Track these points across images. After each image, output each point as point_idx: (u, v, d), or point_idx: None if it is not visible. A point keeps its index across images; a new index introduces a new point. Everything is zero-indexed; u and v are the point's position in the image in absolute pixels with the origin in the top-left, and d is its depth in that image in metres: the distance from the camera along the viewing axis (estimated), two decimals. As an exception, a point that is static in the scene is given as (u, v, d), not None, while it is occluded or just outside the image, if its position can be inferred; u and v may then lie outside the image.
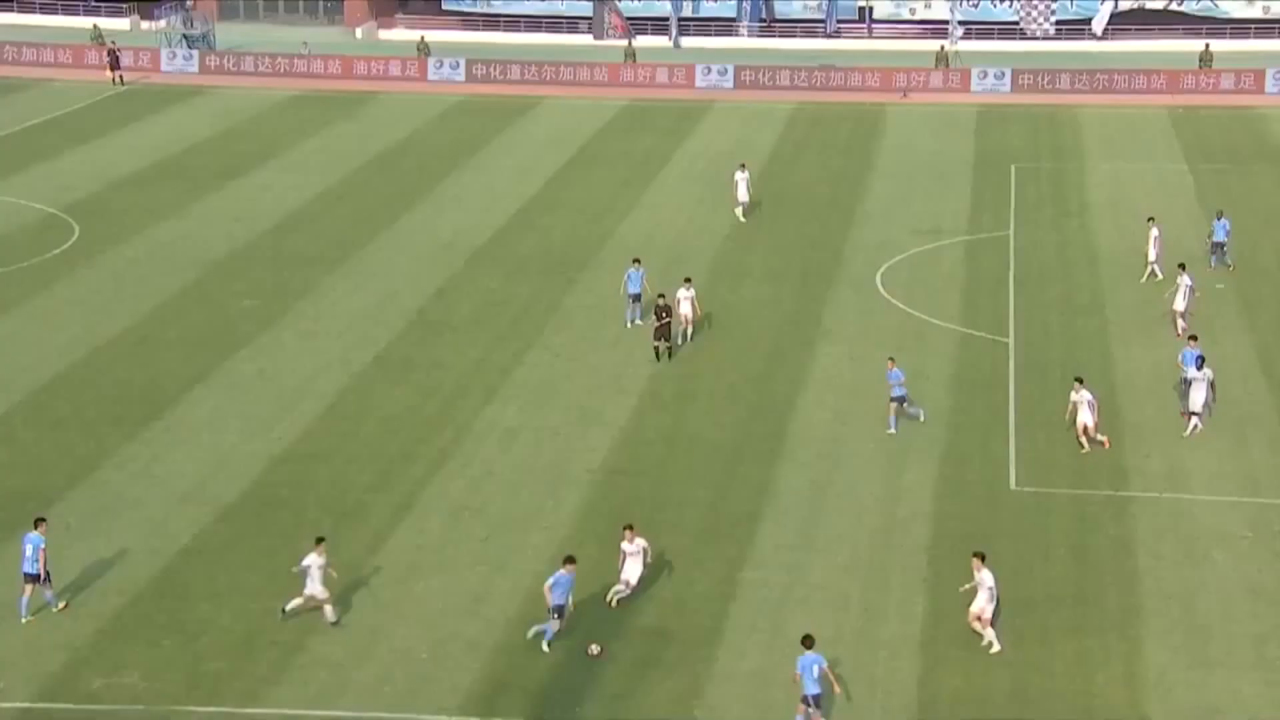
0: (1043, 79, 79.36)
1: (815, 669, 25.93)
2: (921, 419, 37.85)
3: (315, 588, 29.26)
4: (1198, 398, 37.25)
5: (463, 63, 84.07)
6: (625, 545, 29.88)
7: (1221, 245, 48.28)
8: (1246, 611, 29.41)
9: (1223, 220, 48.90)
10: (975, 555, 28.78)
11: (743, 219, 55.66)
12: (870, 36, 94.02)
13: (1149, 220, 49.57)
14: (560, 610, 28.55)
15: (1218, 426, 37.58)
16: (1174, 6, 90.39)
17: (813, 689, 25.91)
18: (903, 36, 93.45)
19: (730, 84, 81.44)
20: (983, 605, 28.28)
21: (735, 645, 28.77)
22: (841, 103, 77.46)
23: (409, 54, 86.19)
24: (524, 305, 47.51)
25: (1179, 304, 43.34)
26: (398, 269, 51.09)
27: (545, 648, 28.41)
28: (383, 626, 29.43)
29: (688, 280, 44.21)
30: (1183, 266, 44.75)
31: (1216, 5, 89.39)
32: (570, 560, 29.02)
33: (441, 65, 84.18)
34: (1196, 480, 34.96)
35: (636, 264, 45.87)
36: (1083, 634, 28.71)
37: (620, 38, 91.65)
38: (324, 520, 33.41)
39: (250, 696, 27.23)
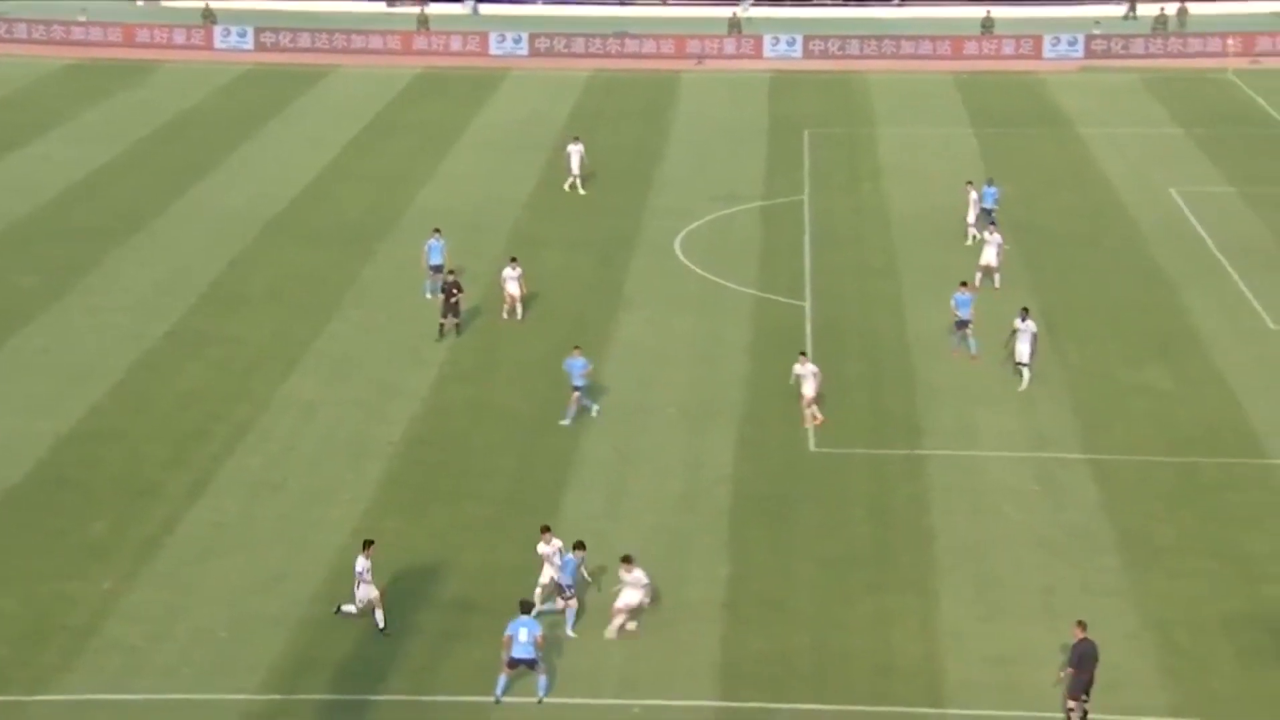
0: (833, 45, 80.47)
1: (525, 633, 26.00)
2: (594, 413, 36.58)
3: (368, 591, 27.97)
4: (1024, 349, 38.36)
5: (251, 31, 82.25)
6: (542, 547, 28.70)
7: (990, 212, 49.45)
8: (1035, 563, 30.31)
9: (992, 188, 50.06)
10: (623, 559, 28.30)
11: (581, 191, 55.33)
12: (664, 3, 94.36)
13: (967, 184, 50.61)
14: (572, 590, 28.09)
15: (1003, 384, 38.63)
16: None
17: (521, 653, 25.95)
18: (696, 3, 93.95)
19: (525, 52, 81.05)
20: (628, 601, 27.98)
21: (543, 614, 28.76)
22: (637, 70, 77.66)
23: (193, 21, 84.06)
24: (321, 277, 46.79)
25: (990, 259, 44.52)
26: (189, 241, 49.90)
27: (571, 633, 27.91)
28: (181, 606, 28.79)
29: (514, 259, 43.82)
30: (994, 224, 45.86)
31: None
32: (580, 545, 28.44)
33: (229, 33, 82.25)
34: (986, 437, 35.91)
35: (437, 234, 45.43)
36: (881, 591, 29.31)
37: (414, 4, 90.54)
38: (116, 499, 32.56)
39: (38, 684, 26.43)
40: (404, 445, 35.58)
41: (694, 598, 29.18)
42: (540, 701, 26.11)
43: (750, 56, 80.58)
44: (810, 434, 36.01)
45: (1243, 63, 75.83)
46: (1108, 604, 28.58)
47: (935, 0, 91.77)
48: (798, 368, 36.67)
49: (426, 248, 45.02)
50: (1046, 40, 79.53)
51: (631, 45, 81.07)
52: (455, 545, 31.01)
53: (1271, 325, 42.22)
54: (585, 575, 28.88)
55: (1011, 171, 56.64)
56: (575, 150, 56.01)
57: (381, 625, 27.97)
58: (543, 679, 26.28)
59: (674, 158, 60.59)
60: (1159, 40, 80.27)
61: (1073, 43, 79.28)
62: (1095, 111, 67.44)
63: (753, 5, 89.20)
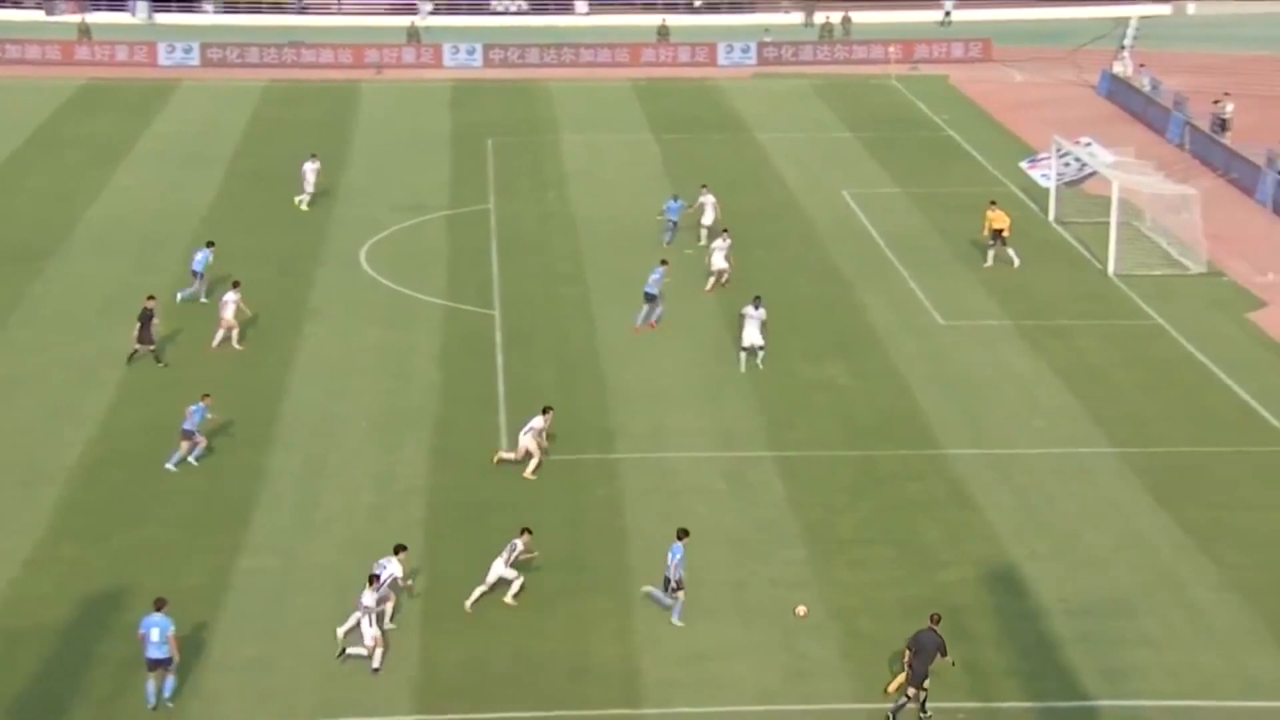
0: (513, 54, 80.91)
1: (157, 632, 25.60)
2: (170, 464, 34.48)
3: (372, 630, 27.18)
4: (751, 334, 39.75)
5: (-100, 40, 78.16)
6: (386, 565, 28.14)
7: (675, 224, 50.45)
8: (726, 560, 31.01)
9: (678, 201, 51.06)
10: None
11: (305, 208, 54.01)
12: (340, 12, 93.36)
13: (702, 187, 51.31)
14: (680, 584, 28.35)
15: (692, 386, 39.44)
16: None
17: (154, 652, 25.56)
18: (373, 12, 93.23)
19: (197, 62, 79.10)
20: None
21: (232, 635, 28.12)
22: (314, 80, 76.62)
23: None
24: (-15, 297, 44.77)
25: (717, 262, 45.93)
26: None
27: (678, 622, 28.25)
28: None
29: (236, 284, 42.54)
30: (726, 230, 47.31)
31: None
32: (684, 533, 28.81)
33: (-124, 42, 78.00)
34: (676, 438, 36.58)
35: (210, 246, 44.73)
36: (578, 595, 29.57)
37: (74, 13, 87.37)
38: None
39: None
40: (80, 469, 34.30)
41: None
42: (156, 708, 25.52)
43: (430, 66, 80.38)
44: (503, 442, 36.07)
45: (903, 69, 79.14)
46: (795, 596, 29.43)
47: (615, 9, 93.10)
48: None
49: (194, 257, 44.41)
50: (721, 48, 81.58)
51: (308, 55, 79.96)
52: (138, 570, 30.04)
53: (941, 321, 44.14)
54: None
55: (693, 176, 57.79)
56: (311, 168, 54.82)
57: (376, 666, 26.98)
58: (170, 680, 25.77)
59: (357, 168, 59.97)
60: (826, 47, 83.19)
61: (745, 50, 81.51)
62: (770, 116, 69.44)
63: (431, 14, 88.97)
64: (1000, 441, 36.29)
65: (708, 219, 50.22)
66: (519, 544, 29.21)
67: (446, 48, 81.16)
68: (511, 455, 34.62)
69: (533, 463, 34.26)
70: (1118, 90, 72.20)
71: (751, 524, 32.47)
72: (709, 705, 26.41)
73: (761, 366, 40.04)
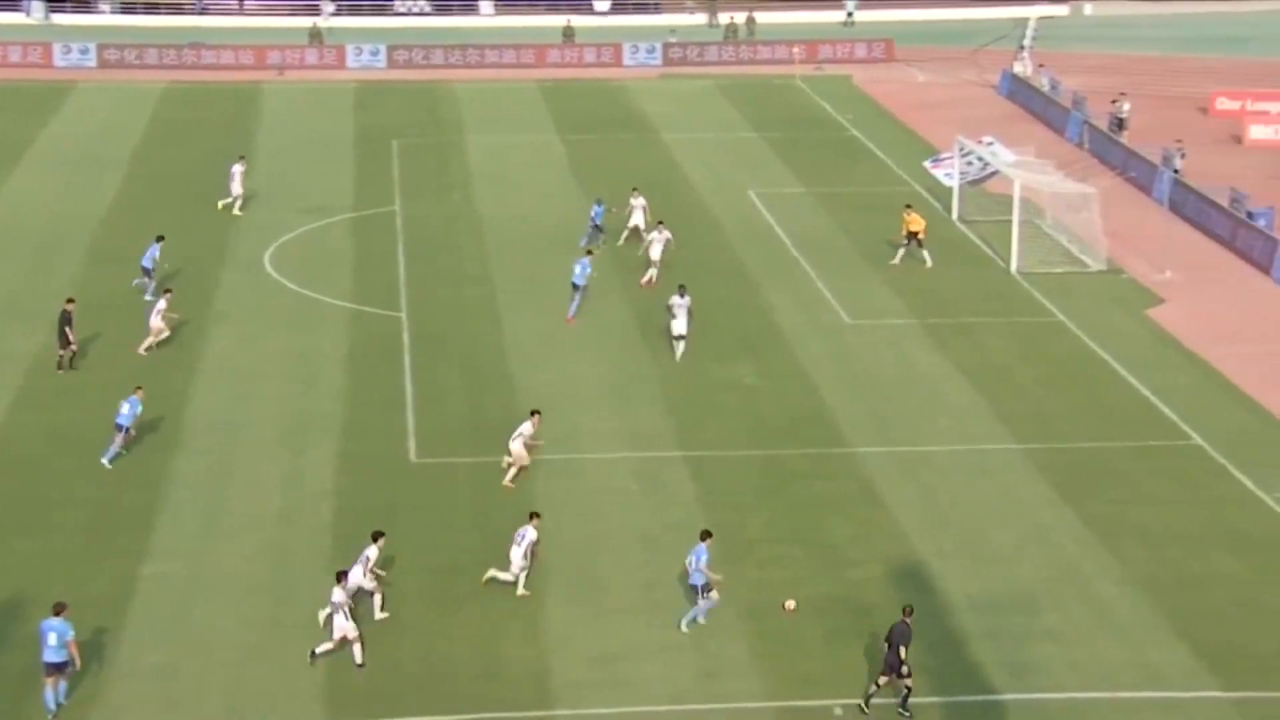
0: (418, 55, 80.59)
1: (54, 636, 25.41)
2: (105, 459, 34.54)
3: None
4: (679, 324, 40.49)
5: None
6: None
7: (598, 228, 50.38)
8: (637, 561, 31.12)
9: (601, 205, 50.89)
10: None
11: (238, 212, 53.40)
12: (241, 13, 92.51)
13: (633, 190, 51.20)
14: (709, 585, 28.55)
15: (601, 387, 39.52)
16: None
17: (52, 656, 25.37)
18: (274, 13, 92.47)
19: (94, 63, 78.09)
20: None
21: (137, 641, 27.83)
22: (215, 82, 75.90)
23: None
24: (-122, 303, 43.94)
25: (654, 254, 46.59)
26: None
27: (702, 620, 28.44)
28: None
29: (167, 291, 42.19)
30: (661, 223, 47.61)
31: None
32: (706, 534, 28.88)
33: None
34: (587, 440, 36.63)
35: (159, 241, 44.85)
36: (488, 597, 29.53)
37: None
38: None
39: None
40: (-20, 478, 33.80)
41: (298, 617, 28.72)
42: (55, 714, 25.32)
43: (333, 67, 79.87)
44: (411, 444, 35.97)
45: (808, 69, 79.70)
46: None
47: (520, 11, 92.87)
48: None
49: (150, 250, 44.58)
50: (626, 48, 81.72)
51: (209, 56, 79.19)
52: (39, 578, 29.63)
53: (848, 320, 44.53)
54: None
55: (600, 177, 57.93)
56: (238, 170, 54.23)
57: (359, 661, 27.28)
58: (63, 685, 25.56)
59: (260, 171, 59.43)
60: (731, 48, 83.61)
61: (651, 51, 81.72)
62: (676, 117, 69.68)
63: (333, 15, 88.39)
64: (907, 439, 36.68)
65: (637, 221, 50.24)
66: (530, 531, 29.48)
67: (349, 49, 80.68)
68: (511, 462, 34.21)
69: (512, 471, 33.95)
70: (1018, 90, 73.17)
71: (662, 524, 32.59)
72: (620, 706, 26.48)
73: (678, 359, 40.54)
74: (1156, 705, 26.48)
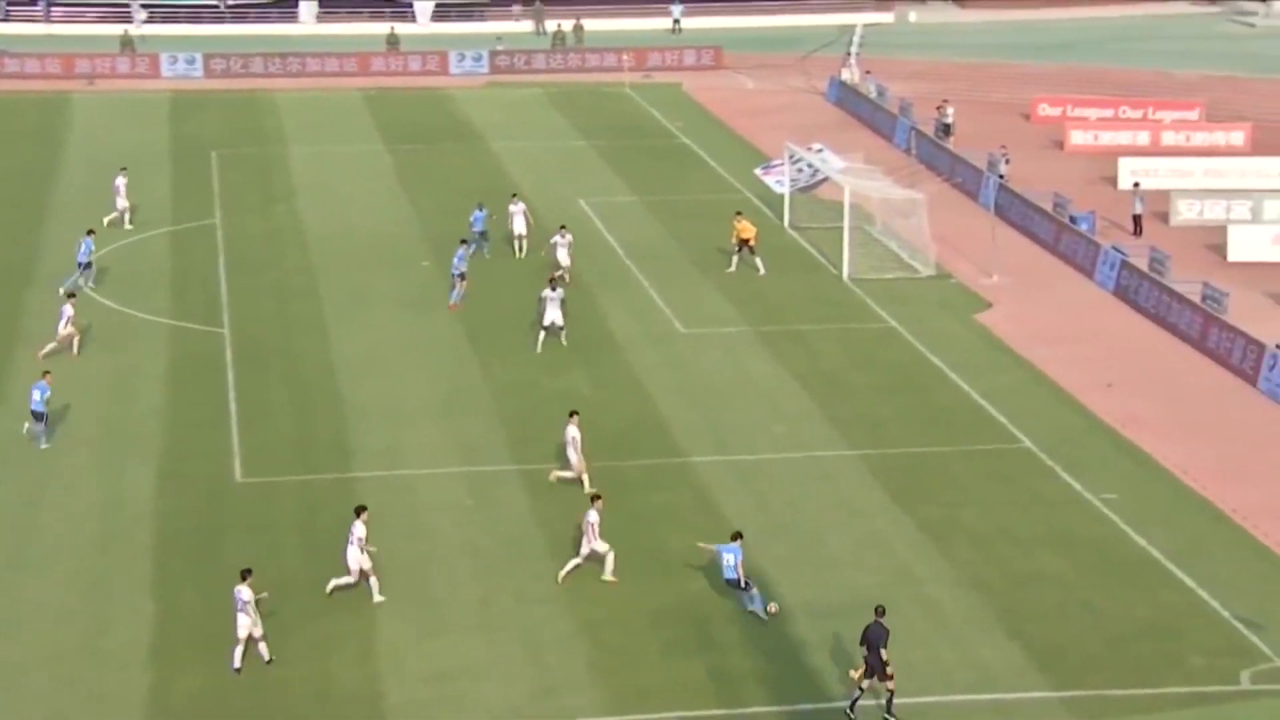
0: (236, 63, 79.48)
1: None
2: (42, 445, 35.98)
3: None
4: (553, 313, 41.84)
5: None
6: None
7: (483, 234, 50.03)
8: (470, 575, 30.96)
9: (483, 211, 50.56)
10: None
11: (129, 225, 52.33)
12: (48, 20, 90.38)
13: (512, 196, 51.01)
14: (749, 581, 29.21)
15: (431, 400, 39.29)
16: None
17: None
18: (82, 20, 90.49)
19: (-105, 71, 75.74)
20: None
21: (-52, 679, 27.02)
22: (21, 91, 74.08)
23: None
24: None
25: (562, 258, 47.18)
26: None
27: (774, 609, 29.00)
28: None
29: (71, 295, 42.03)
30: (563, 227, 48.12)
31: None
32: (738, 535, 29.42)
33: None
34: (417, 455, 36.37)
35: (90, 234, 45.96)
36: (318, 618, 29.17)
37: None
38: None
39: None
40: None
41: (117, 644, 28.11)
42: None
43: (147, 76, 78.41)
44: (236, 464, 35.41)
45: (637, 77, 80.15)
46: (542, 610, 29.56)
47: (342, 18, 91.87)
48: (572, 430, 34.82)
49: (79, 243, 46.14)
50: (452, 56, 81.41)
51: (12, 65, 77.30)
52: None
53: (681, 328, 44.82)
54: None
55: (428, 187, 57.62)
56: (121, 182, 52.93)
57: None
58: None
59: (70, 184, 58.15)
60: (559, 56, 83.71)
61: (478, 59, 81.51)
62: (504, 125, 69.58)
63: (145, 22, 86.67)
64: (742, 447, 37.01)
65: (519, 228, 50.02)
66: (594, 516, 30.17)
67: (164, 57, 79.26)
68: (569, 474, 34.20)
69: (584, 476, 34.09)
70: (846, 97, 74.33)
71: (496, 539, 32.47)
72: (455, 725, 26.34)
73: (565, 343, 41.85)
74: (987, 708, 26.97)
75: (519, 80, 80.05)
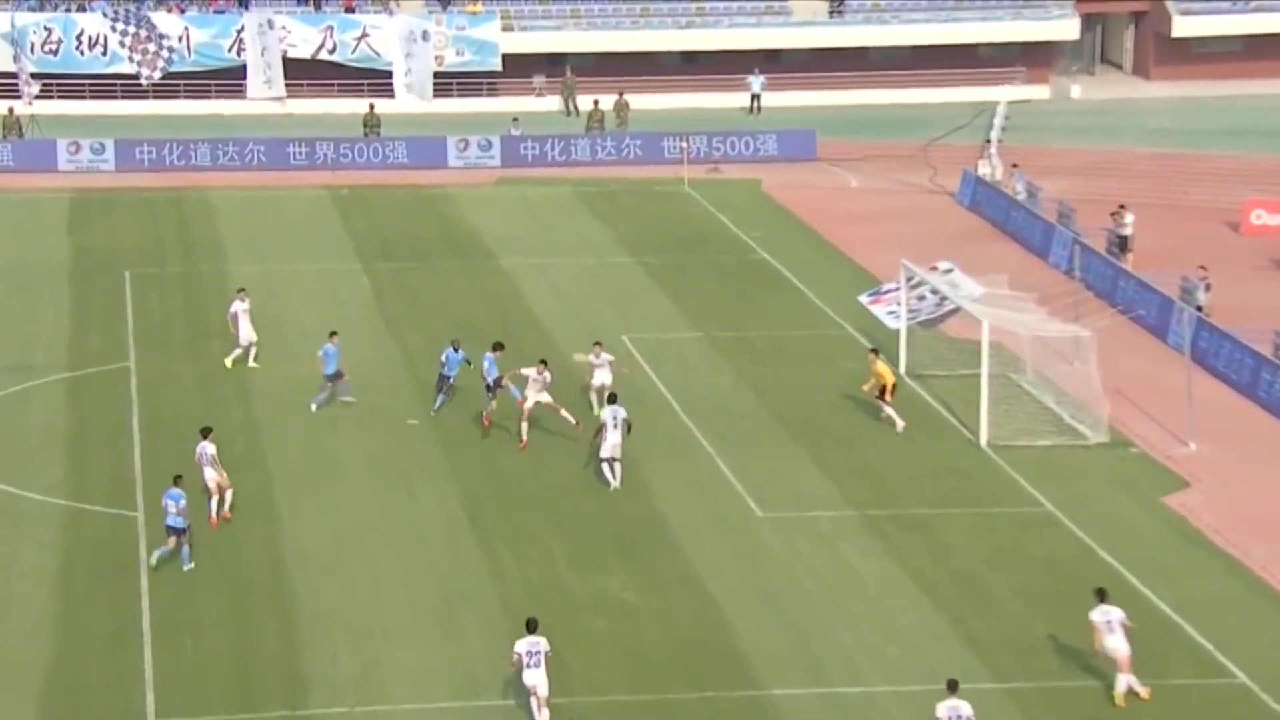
0: (165, 152, 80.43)
1: None
2: None
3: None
4: (611, 444, 45.28)
5: None
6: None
7: (450, 380, 50.17)
8: None
9: (459, 352, 50.76)
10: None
11: None
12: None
13: (595, 343, 51.10)
14: None
15: (419, 610, 39.32)
16: (325, 56, 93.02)
17: None
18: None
19: None
20: None
21: None
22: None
23: None
24: None
25: (605, 379, 50.03)
26: None
27: None
28: None
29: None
30: (598, 344, 50.13)
31: (379, 55, 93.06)
32: None
33: None
34: (400, 682, 36.35)
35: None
36: None
37: None
38: None
39: None
40: None
41: None
42: None
43: (40, 169, 79.60)
44: (150, 699, 35.47)
45: (700, 170, 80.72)
46: None
47: (306, 94, 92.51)
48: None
49: None
50: (452, 143, 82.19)
51: None
52: None
53: (759, 512, 44.81)
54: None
55: (418, 319, 58.26)
56: None
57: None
58: None
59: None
60: (596, 142, 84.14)
61: (486, 146, 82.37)
62: (520, 236, 70.38)
63: (38, 97, 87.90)
64: (844, 677, 36.82)
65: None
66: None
67: (62, 144, 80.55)
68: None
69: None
70: (984, 198, 74.77)
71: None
72: None
73: (617, 482, 45.66)
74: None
75: (541, 175, 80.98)
